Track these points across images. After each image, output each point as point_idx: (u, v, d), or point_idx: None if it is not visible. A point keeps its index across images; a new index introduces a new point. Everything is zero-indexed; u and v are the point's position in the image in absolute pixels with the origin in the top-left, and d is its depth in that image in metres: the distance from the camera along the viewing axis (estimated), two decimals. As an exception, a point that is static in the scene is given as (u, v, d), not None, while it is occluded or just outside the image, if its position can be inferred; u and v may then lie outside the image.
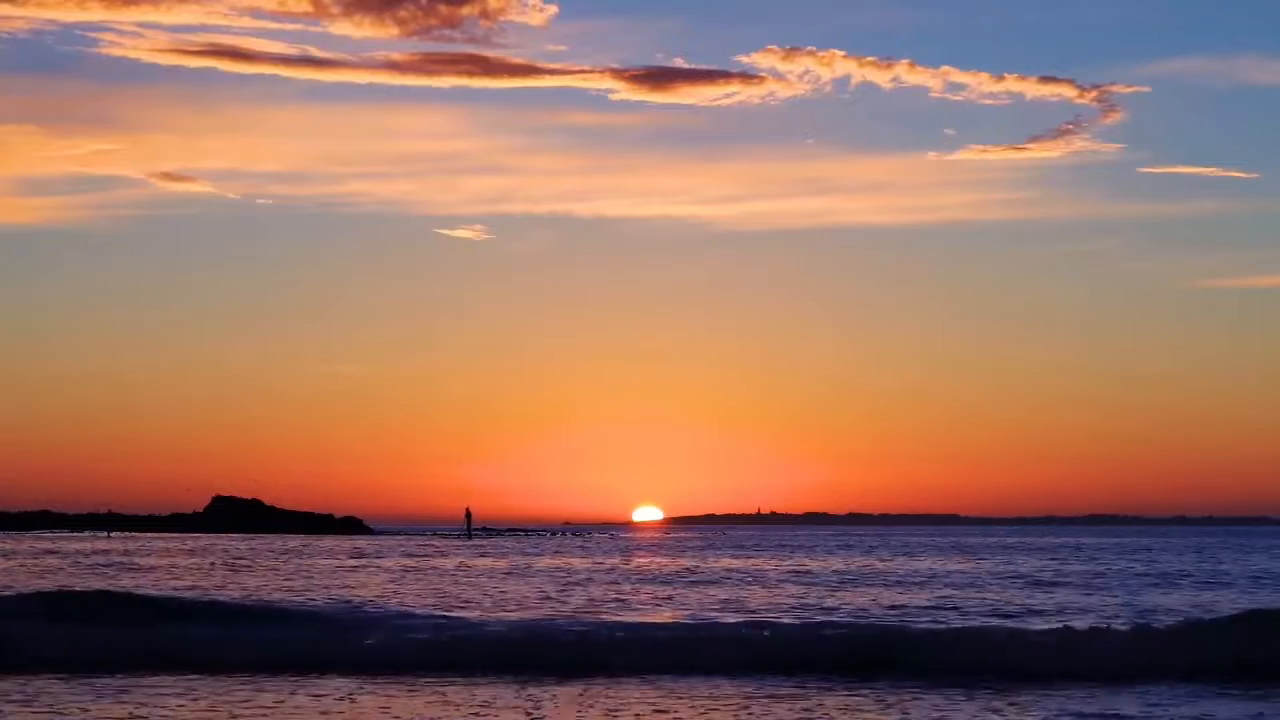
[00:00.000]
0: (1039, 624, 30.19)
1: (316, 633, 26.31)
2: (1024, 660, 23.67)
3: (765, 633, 25.96)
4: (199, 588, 43.88)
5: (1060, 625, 27.63)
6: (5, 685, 21.51)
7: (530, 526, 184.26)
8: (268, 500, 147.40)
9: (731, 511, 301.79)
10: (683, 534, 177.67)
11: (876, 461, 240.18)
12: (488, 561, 69.64)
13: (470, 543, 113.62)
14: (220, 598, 37.40)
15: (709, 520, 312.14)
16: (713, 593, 43.48)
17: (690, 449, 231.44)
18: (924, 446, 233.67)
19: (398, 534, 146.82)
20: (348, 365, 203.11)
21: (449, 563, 68.07)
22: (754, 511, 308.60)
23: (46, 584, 44.46)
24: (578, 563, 69.00)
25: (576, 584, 48.05)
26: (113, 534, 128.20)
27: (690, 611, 34.95)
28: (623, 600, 39.75)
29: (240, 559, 69.40)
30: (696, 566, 64.08)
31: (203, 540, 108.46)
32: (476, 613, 33.34)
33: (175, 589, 42.74)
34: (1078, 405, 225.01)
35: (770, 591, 43.97)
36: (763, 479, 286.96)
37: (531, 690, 21.35)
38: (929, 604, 37.84)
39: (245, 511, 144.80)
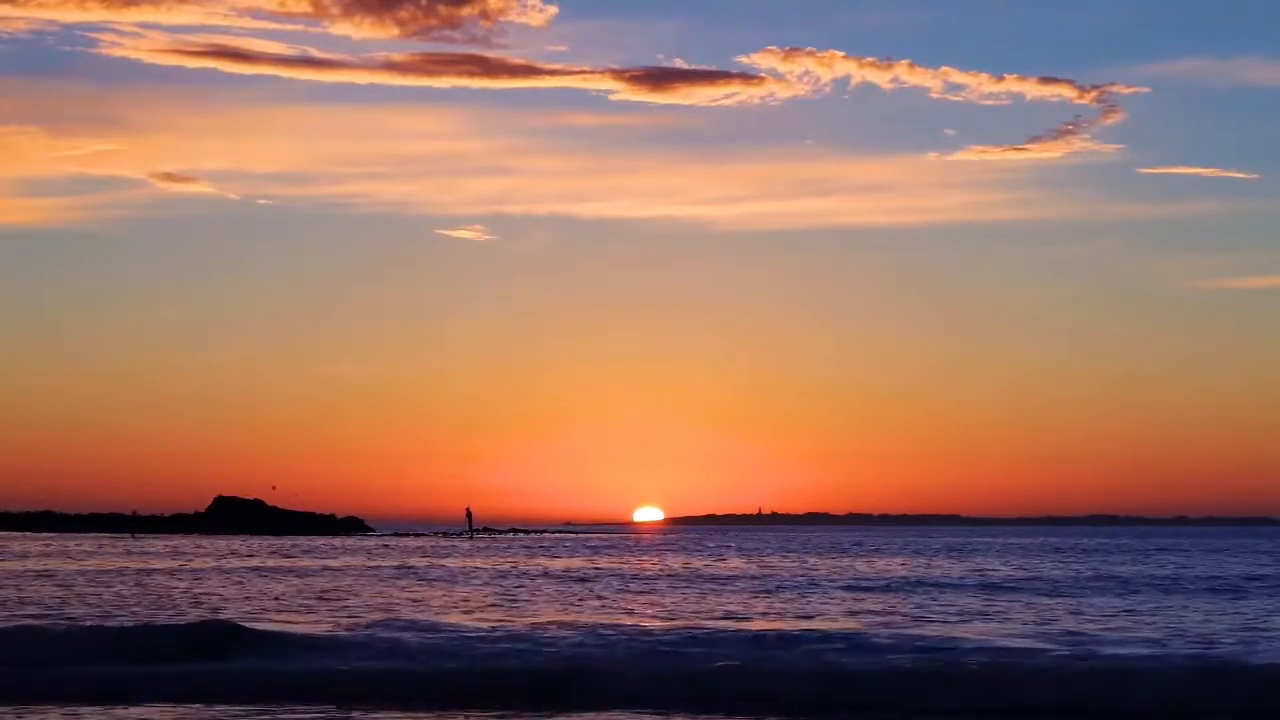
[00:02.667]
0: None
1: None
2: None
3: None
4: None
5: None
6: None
7: (531, 526, 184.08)
8: (269, 500, 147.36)
9: (732, 511, 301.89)
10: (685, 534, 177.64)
11: (876, 461, 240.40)
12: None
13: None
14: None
15: (709, 521, 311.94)
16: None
17: (690, 449, 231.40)
18: (924, 446, 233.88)
19: (400, 534, 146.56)
20: (348, 365, 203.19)
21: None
22: (754, 511, 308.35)
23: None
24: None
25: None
26: (137, 535, 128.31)
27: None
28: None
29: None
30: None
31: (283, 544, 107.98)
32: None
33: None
34: (1078, 405, 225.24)
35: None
36: (763, 479, 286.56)
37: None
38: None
39: (247, 512, 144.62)
